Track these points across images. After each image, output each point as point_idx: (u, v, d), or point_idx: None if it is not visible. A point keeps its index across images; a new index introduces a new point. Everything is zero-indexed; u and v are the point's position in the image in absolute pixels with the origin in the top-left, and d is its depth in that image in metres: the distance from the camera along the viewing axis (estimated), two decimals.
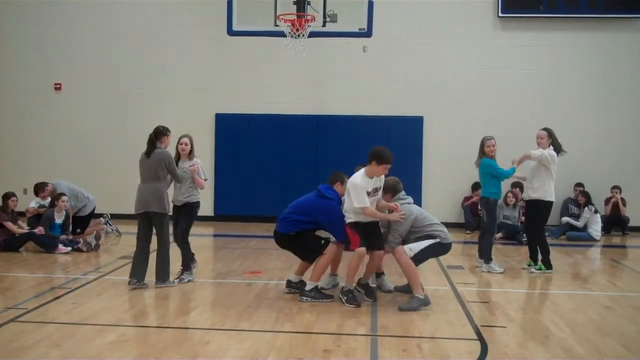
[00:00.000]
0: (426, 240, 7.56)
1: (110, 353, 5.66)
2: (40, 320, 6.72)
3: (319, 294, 7.73)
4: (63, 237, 11.19)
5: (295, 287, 8.04)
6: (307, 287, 7.72)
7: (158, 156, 8.23)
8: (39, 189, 12.22)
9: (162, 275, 8.27)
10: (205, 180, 9.11)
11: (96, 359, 5.54)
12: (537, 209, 9.75)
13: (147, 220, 8.25)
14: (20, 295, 7.82)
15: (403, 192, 7.90)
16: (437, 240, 7.60)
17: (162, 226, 8.27)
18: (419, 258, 7.56)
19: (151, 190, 8.17)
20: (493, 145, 9.89)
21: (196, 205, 8.85)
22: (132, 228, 9.04)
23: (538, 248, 9.90)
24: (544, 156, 9.51)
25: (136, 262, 8.26)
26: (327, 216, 7.75)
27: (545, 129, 9.91)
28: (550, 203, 9.74)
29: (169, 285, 8.26)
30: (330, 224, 7.79)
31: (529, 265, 10.00)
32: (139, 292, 8.00)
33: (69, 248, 10.96)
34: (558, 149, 9.77)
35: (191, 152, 8.97)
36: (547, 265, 9.81)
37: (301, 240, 7.91)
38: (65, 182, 12.46)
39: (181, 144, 8.87)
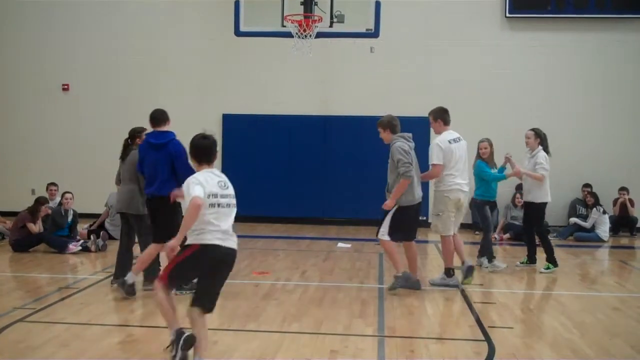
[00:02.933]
0: (389, 216, 8.01)
1: (118, 353, 5.68)
2: (48, 320, 6.75)
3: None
4: (72, 244, 11.05)
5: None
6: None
7: (131, 158, 8.25)
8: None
9: (150, 276, 8.13)
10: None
11: (104, 359, 5.56)
12: (534, 211, 9.95)
13: (126, 220, 8.35)
14: (28, 296, 7.85)
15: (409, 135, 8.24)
16: (395, 206, 7.96)
17: (139, 227, 8.28)
18: (393, 233, 8.03)
19: (126, 192, 8.22)
20: (485, 148, 10.05)
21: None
22: None
23: (543, 248, 10.00)
24: (544, 169, 9.70)
25: (119, 262, 8.31)
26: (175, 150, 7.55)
27: (533, 129, 10.09)
28: (545, 204, 9.96)
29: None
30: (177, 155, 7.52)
31: (522, 263, 10.16)
32: (146, 293, 8.01)
33: (80, 247, 10.97)
34: (547, 149, 9.95)
35: None
36: (554, 263, 9.91)
37: (164, 216, 7.55)
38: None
39: None
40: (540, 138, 9.93)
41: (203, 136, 5.34)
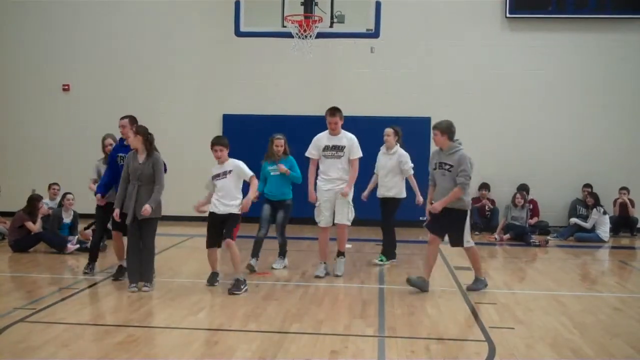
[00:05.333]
0: (466, 224, 8.32)
1: (118, 353, 5.67)
2: (48, 320, 6.74)
3: None
4: (70, 243, 11.07)
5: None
6: None
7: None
8: None
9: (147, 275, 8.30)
10: None
11: (104, 359, 5.56)
12: (393, 206, 10.12)
13: None
14: (29, 296, 7.85)
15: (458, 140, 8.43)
16: (466, 210, 8.33)
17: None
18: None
19: None
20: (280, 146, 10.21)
21: None
22: None
23: (385, 241, 10.31)
24: (412, 168, 10.17)
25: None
26: None
27: (392, 127, 10.32)
28: (403, 199, 10.20)
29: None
30: None
31: (381, 261, 10.25)
32: (146, 293, 8.01)
33: (78, 245, 10.97)
34: (402, 145, 10.25)
35: None
36: (391, 256, 10.23)
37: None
38: None
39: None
40: (398, 136, 10.19)
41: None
